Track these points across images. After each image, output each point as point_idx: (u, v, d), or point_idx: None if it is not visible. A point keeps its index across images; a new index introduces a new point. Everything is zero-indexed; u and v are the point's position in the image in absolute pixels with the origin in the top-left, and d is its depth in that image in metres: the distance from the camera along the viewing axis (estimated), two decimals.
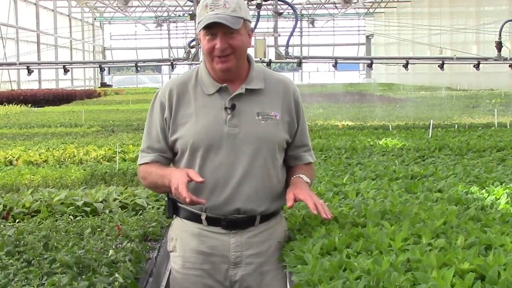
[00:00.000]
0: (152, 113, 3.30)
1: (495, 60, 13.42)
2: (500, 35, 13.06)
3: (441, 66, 12.97)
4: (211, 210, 3.20)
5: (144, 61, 15.18)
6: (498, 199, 4.33)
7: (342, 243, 3.13)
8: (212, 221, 3.23)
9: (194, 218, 3.25)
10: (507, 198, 4.28)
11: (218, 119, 3.17)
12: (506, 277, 2.49)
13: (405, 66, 12.62)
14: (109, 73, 56.65)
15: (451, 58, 13.72)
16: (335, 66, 13.05)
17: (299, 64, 13.58)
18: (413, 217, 3.60)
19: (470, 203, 4.15)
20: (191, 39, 14.17)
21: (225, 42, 3.09)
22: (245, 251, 3.25)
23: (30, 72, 11.55)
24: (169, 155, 3.31)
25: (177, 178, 3.05)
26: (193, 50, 13.90)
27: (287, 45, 14.66)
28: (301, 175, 3.31)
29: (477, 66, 13.11)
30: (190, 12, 14.76)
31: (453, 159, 6.78)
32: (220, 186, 3.17)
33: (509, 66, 14.07)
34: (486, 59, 13.95)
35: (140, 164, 3.32)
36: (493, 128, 10.86)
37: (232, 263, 3.25)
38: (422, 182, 5.02)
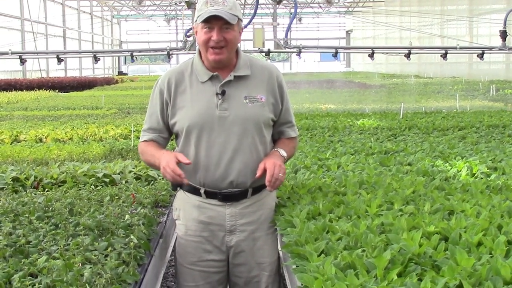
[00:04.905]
0: (152, 99, 3.29)
1: (500, 49, 12.15)
2: (505, 24, 11.86)
3: (444, 56, 11.89)
4: (209, 185, 3.20)
5: (140, 51, 14.56)
6: (460, 171, 4.33)
7: (326, 209, 3.12)
8: (210, 195, 3.22)
9: (195, 191, 3.25)
10: (467, 170, 4.29)
11: (210, 104, 3.15)
12: (466, 238, 2.49)
13: (407, 56, 11.82)
14: (125, 63, 56.54)
15: (454, 48, 12.44)
16: (335, 55, 12.61)
17: (299, 53, 13.12)
18: (387, 187, 3.60)
19: (435, 174, 4.15)
20: (188, 28, 13.52)
21: (221, 35, 3.07)
22: (239, 220, 3.25)
23: (22, 62, 11.31)
24: (166, 135, 3.31)
25: (167, 160, 3.05)
26: (190, 39, 13.41)
27: (286, 34, 14.13)
28: (279, 149, 3.27)
29: (481, 56, 11.90)
30: (187, 0, 14.09)
31: (420, 137, 6.77)
32: (214, 163, 3.16)
33: None
34: (490, 48, 12.69)
35: (141, 141, 3.33)
36: (455, 110, 10.84)
37: (227, 231, 3.25)
38: (394, 157, 5.01)
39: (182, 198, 3.34)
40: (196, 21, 3.13)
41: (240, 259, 3.29)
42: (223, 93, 3.15)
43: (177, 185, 3.32)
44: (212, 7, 3.04)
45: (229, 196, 3.21)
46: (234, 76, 3.18)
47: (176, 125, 3.21)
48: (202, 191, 3.22)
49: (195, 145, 3.17)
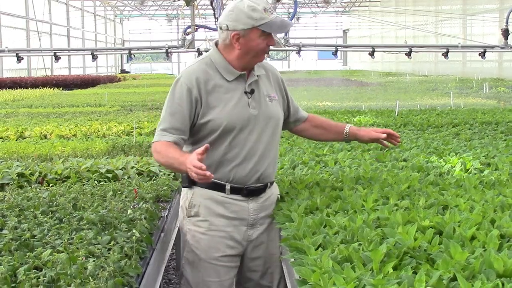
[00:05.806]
0: (174, 98, 3.12)
1: (502, 48, 11.87)
2: (507, 22, 11.19)
3: (445, 55, 11.67)
4: (237, 181, 3.19)
5: (138, 49, 14.35)
6: (453, 167, 4.33)
7: (323, 204, 3.12)
8: (234, 190, 3.21)
9: (217, 187, 3.20)
10: (461, 166, 4.28)
11: (242, 102, 3.16)
12: (460, 232, 2.49)
13: (408, 54, 11.61)
14: (127, 61, 56.51)
15: (456, 46, 12.24)
16: (335, 53, 12.41)
17: (298, 51, 12.94)
18: (382, 182, 3.60)
19: (430, 170, 4.14)
20: (187, 26, 13.31)
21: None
22: (259, 214, 3.28)
23: (19, 59, 11.15)
24: (186, 137, 3.16)
25: (190, 160, 2.84)
26: (188, 37, 13.16)
27: (286, 32, 13.93)
28: (347, 125, 3.51)
29: (482, 54, 11.69)
30: None
31: (415, 133, 6.77)
32: (246, 160, 3.16)
33: None
34: (492, 47, 12.39)
35: (163, 141, 3.09)
36: (449, 107, 10.82)
37: (249, 225, 3.27)
38: (390, 153, 5.00)
39: (201, 195, 3.25)
40: (251, 27, 3.06)
41: (258, 251, 3.33)
42: (252, 91, 3.19)
43: (191, 181, 3.21)
44: (272, 16, 3.08)
45: (253, 191, 3.23)
46: (257, 75, 3.24)
47: (209, 124, 3.13)
48: (228, 187, 3.20)
49: (229, 143, 3.14)
